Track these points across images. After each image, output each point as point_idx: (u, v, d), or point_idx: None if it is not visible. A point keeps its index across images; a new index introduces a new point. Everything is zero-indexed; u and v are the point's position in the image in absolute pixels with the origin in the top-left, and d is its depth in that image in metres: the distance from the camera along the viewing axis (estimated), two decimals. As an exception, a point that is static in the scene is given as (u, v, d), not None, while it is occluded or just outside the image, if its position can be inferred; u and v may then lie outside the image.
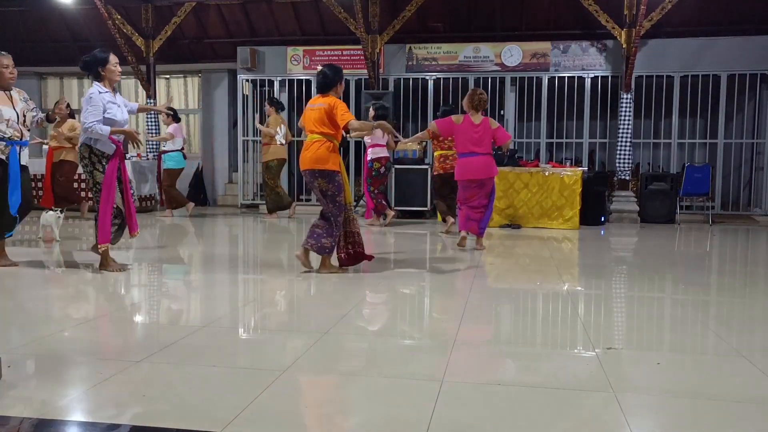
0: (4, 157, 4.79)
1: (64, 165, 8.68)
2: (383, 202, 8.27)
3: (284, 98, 10.99)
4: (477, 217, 6.17)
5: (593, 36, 10.08)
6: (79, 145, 4.74)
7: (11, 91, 4.92)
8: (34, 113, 5.06)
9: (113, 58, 4.77)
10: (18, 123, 4.86)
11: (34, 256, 5.71)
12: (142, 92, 11.78)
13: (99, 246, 4.71)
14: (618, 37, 9.40)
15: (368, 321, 3.57)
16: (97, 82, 4.73)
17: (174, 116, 9.20)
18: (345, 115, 4.66)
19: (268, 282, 4.65)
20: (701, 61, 9.77)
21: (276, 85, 10.98)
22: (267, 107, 9.37)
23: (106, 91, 4.71)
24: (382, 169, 8.09)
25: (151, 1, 10.80)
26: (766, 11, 9.83)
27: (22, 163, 4.93)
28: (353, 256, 4.97)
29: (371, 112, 8.08)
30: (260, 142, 9.58)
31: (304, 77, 10.81)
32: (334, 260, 4.92)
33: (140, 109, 5.27)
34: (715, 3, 9.91)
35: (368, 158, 8.14)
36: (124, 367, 2.59)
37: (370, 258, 5.07)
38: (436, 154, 7.71)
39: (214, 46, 11.85)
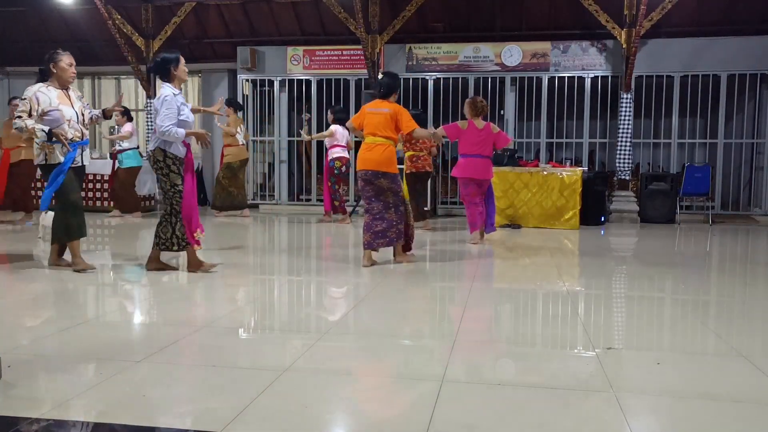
0: (62, 160, 4.65)
1: (22, 164, 8.25)
2: (344, 206, 8.99)
3: (284, 98, 11.00)
4: (482, 211, 6.71)
5: (593, 36, 10.08)
6: (151, 148, 4.67)
7: (68, 90, 4.83)
8: (88, 111, 4.98)
9: (182, 58, 4.76)
10: (78, 122, 4.77)
11: (33, 257, 5.70)
12: (142, 92, 11.78)
13: (194, 247, 4.77)
14: (618, 37, 9.40)
15: (368, 321, 3.57)
16: (168, 84, 4.68)
17: (127, 115, 9.17)
18: (410, 123, 5.16)
19: (267, 282, 4.65)
20: (701, 61, 9.77)
21: (276, 85, 10.98)
22: (225, 108, 9.44)
23: (179, 93, 4.69)
24: (344, 168, 8.77)
25: (151, 1, 10.80)
26: (766, 11, 9.82)
27: (85, 162, 4.85)
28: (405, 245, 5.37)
29: (330, 116, 8.85)
30: (242, 142, 9.62)
31: (304, 77, 10.81)
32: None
33: (193, 110, 5.25)
34: (715, 3, 9.91)
35: (329, 158, 8.77)
36: (124, 367, 2.59)
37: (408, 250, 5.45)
38: (408, 154, 8.18)
39: (214, 46, 11.85)
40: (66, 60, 4.72)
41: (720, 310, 4.07)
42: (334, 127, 8.71)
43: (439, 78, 10.40)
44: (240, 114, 9.82)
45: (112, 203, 9.77)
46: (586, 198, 8.47)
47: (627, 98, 9.61)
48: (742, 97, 9.94)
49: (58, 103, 4.66)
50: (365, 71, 10.24)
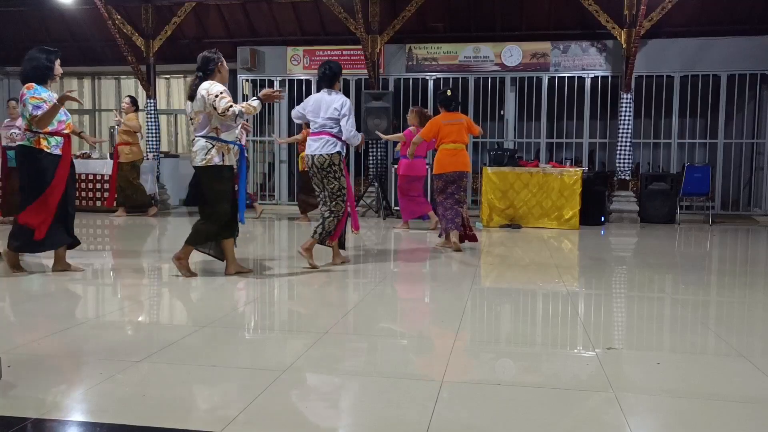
0: (234, 163, 4.48)
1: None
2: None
3: (284, 98, 10.98)
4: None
5: (593, 36, 10.07)
6: (329, 152, 4.83)
7: None
8: None
9: None
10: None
11: (35, 257, 5.70)
12: (142, 92, 11.77)
13: (330, 242, 5.10)
14: (618, 37, 9.39)
15: (368, 321, 3.57)
16: (335, 90, 4.96)
17: None
18: (477, 127, 6.29)
19: (268, 282, 4.65)
20: (701, 61, 9.76)
21: (276, 85, 10.97)
22: (126, 105, 9.14)
23: None
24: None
25: (151, 1, 10.79)
26: (766, 11, 9.82)
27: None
28: (470, 235, 6.25)
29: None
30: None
31: (304, 77, 10.80)
32: None
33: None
34: (715, 3, 9.90)
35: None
36: (124, 367, 2.59)
37: (475, 239, 6.35)
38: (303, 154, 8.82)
39: (215, 46, 11.83)
40: (225, 61, 4.62)
41: (720, 310, 4.07)
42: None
43: (440, 78, 10.39)
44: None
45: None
46: (586, 198, 8.46)
47: (627, 98, 9.60)
48: (742, 97, 9.94)
49: None
50: (365, 71, 10.23)
